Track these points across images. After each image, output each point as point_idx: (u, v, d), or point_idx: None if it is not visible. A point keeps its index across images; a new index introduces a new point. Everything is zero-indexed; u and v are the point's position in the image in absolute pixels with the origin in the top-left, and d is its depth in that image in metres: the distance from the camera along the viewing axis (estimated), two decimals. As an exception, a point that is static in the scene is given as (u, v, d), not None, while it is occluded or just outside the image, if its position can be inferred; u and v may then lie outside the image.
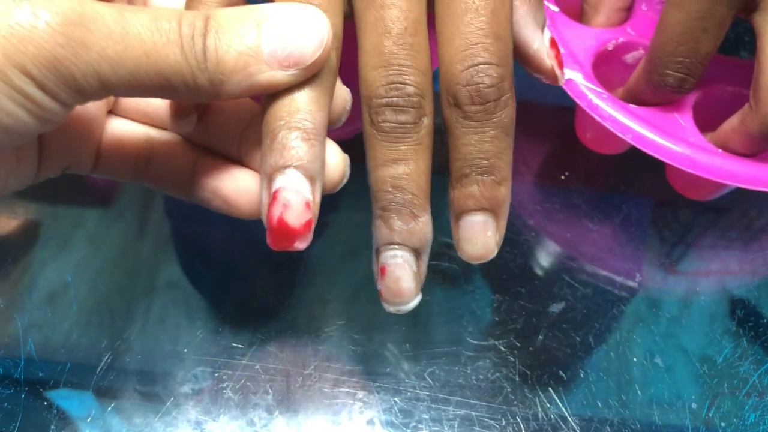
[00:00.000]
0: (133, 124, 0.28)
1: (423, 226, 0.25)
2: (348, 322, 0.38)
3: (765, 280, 0.41)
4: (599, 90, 0.38)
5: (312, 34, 0.23)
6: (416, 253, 0.26)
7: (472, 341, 0.38)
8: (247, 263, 0.42)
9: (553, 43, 0.27)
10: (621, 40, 0.41)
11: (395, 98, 0.24)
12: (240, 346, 0.37)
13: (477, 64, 0.24)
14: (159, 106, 0.28)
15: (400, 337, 0.38)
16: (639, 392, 0.36)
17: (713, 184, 0.37)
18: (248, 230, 0.42)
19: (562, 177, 0.44)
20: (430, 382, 0.37)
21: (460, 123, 0.24)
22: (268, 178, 0.23)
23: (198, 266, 0.41)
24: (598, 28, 0.42)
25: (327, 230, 0.42)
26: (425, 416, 0.35)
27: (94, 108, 0.27)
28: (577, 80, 0.38)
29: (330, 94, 0.25)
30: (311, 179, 0.23)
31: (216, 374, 0.37)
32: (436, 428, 0.35)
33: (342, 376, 0.37)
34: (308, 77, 0.23)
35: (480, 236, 0.25)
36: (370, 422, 0.35)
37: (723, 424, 0.36)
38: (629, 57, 0.42)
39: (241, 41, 0.22)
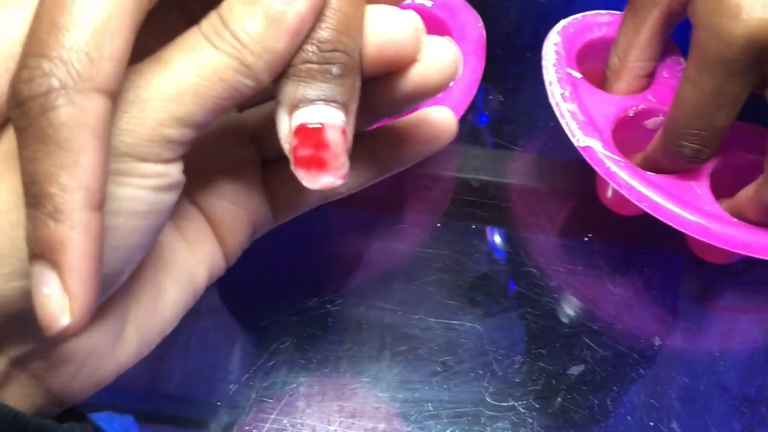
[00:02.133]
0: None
1: None
2: (373, 380, 0.41)
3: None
4: (617, 158, 0.40)
5: None
6: None
7: (492, 402, 0.40)
8: (280, 305, 0.44)
9: (304, 132, 0.22)
10: (642, 107, 0.43)
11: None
12: (269, 400, 0.40)
13: (26, 55, 0.19)
14: None
15: (422, 396, 0.40)
16: (655, 456, 0.38)
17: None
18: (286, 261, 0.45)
19: (585, 238, 0.46)
20: (450, 441, 0.39)
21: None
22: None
23: (240, 294, 0.44)
24: (619, 95, 0.44)
25: (356, 286, 0.45)
26: (444, 475, 0.38)
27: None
28: (595, 148, 0.40)
29: None
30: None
31: (246, 428, 0.40)
32: (454, 487, 0.37)
33: (365, 433, 0.39)
34: None
35: (37, 297, 0.19)
36: (391, 480, 0.38)
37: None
38: (650, 122, 0.44)
39: (253, 4, 0.21)
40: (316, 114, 0.22)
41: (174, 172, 0.22)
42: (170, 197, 0.23)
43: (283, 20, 0.21)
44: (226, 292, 0.45)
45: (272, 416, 0.40)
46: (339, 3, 0.22)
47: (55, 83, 0.19)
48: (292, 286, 0.45)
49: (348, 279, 0.45)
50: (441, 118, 0.27)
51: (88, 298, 0.19)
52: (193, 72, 0.21)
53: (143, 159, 0.21)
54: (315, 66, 0.22)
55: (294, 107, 0.22)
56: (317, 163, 0.22)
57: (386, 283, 0.45)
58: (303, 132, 0.22)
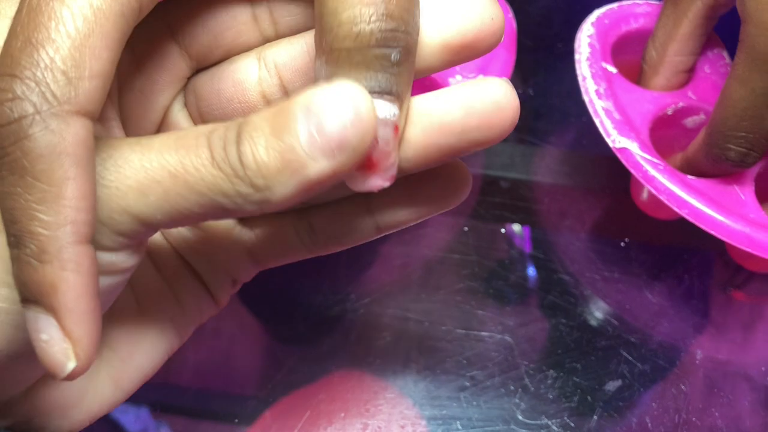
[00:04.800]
0: None
1: None
2: (398, 396, 0.41)
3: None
4: (655, 161, 0.39)
5: (346, 110, 0.18)
6: None
7: (524, 420, 0.40)
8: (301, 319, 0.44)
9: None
10: (681, 104, 0.42)
11: None
12: (289, 418, 0.40)
13: None
14: None
15: (450, 413, 0.40)
16: (698, 479, 0.38)
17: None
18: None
19: (622, 243, 0.45)
20: (480, 462, 0.39)
21: None
22: None
23: (258, 305, 0.44)
24: (657, 92, 0.43)
25: (379, 295, 0.45)
26: (474, 498, 0.37)
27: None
28: (632, 150, 0.39)
29: None
30: None
31: None
32: None
33: (391, 453, 0.39)
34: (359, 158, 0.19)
35: (36, 343, 0.19)
36: (418, 503, 0.37)
37: None
38: (689, 121, 0.43)
39: (279, 138, 0.19)
40: None
41: (123, 259, 0.21)
42: (120, 278, 0.21)
43: (301, 172, 0.18)
44: (244, 302, 0.45)
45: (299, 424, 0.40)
46: None
47: (28, 108, 0.18)
48: (311, 296, 0.45)
49: (370, 288, 0.45)
50: (455, 172, 0.24)
51: (90, 338, 0.19)
52: (173, 171, 0.19)
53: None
54: (375, 51, 0.19)
55: None
56: (365, 163, 0.20)
57: (410, 291, 0.45)
58: None
